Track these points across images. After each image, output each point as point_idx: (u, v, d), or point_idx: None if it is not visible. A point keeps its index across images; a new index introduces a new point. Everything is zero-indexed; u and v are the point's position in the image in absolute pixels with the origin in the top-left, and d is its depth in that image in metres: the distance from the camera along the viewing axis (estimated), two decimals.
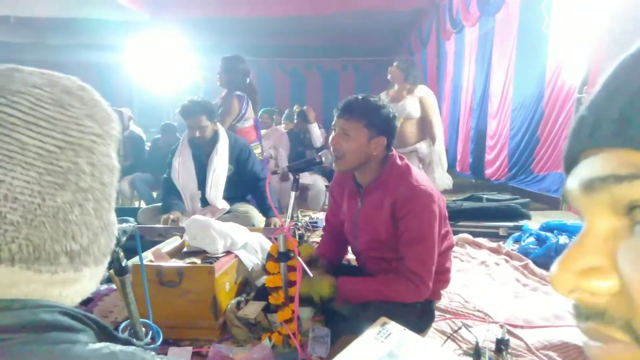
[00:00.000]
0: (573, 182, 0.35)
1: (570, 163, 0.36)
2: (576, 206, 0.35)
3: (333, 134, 1.81)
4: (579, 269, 0.32)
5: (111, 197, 0.50)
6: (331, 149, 1.80)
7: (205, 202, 3.13)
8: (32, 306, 0.43)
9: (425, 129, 3.94)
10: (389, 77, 3.95)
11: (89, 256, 0.48)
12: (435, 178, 3.98)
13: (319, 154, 1.89)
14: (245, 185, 3.29)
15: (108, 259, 0.52)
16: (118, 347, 0.45)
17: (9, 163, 0.42)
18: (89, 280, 0.49)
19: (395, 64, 3.96)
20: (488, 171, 5.68)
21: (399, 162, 1.83)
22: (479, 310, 2.13)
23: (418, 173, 1.83)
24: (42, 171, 0.43)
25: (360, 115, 1.74)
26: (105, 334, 0.48)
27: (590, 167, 0.33)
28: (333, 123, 1.82)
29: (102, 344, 0.45)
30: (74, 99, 0.48)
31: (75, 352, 0.42)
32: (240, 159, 3.20)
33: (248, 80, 3.89)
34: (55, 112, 0.46)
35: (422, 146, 3.95)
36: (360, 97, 1.79)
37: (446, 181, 4.17)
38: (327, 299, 1.76)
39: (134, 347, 0.46)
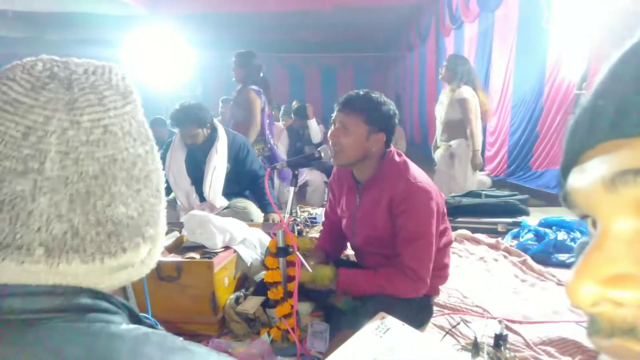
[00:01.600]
0: (584, 179, 0.31)
1: (574, 158, 0.33)
2: (586, 206, 0.32)
3: (333, 127, 1.80)
4: (603, 277, 0.28)
5: (107, 190, 0.47)
6: (330, 142, 1.80)
7: (203, 198, 3.12)
8: (72, 292, 0.46)
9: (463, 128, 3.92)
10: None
11: (75, 251, 0.46)
12: (467, 177, 3.96)
13: (318, 149, 1.88)
14: (243, 182, 3.29)
15: (118, 258, 0.49)
16: (150, 330, 0.47)
17: None
18: (85, 274, 0.47)
19: (444, 64, 3.97)
20: (488, 167, 5.69)
21: (397, 158, 1.83)
22: (477, 306, 2.13)
23: (416, 170, 1.82)
24: (1, 157, 0.43)
25: (361, 110, 1.73)
26: (134, 318, 0.51)
27: (612, 160, 0.29)
28: (333, 117, 1.81)
29: (134, 326, 0.47)
30: (58, 84, 0.46)
31: (111, 331, 0.45)
32: (238, 157, 3.19)
33: (261, 75, 3.96)
34: (25, 96, 0.45)
35: (458, 144, 3.93)
36: (361, 93, 1.78)
37: (483, 180, 4.14)
38: (331, 282, 1.76)
39: (164, 331, 0.49)
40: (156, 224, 0.54)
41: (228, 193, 3.20)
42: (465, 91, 3.79)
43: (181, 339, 0.49)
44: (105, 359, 0.42)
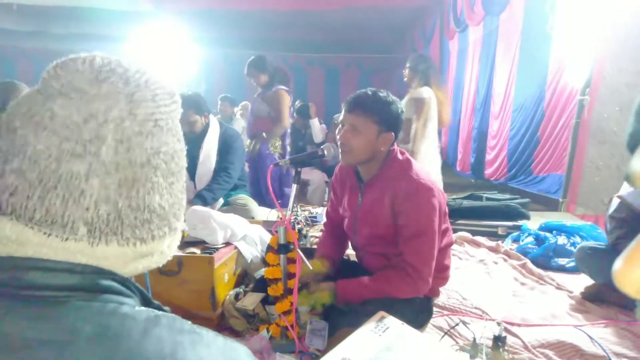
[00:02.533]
0: None
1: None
2: None
3: (340, 128, 1.79)
4: None
5: (149, 179, 0.51)
6: (338, 143, 1.79)
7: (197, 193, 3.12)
8: (91, 271, 0.49)
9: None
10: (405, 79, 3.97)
11: (113, 233, 0.49)
12: None
13: (322, 147, 1.88)
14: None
15: (147, 245, 0.53)
16: (160, 312, 0.49)
17: (37, 128, 0.47)
18: (116, 257, 0.51)
19: (407, 63, 3.95)
20: (488, 171, 5.69)
21: (400, 156, 1.83)
22: (476, 308, 2.13)
23: (419, 167, 1.83)
24: (63, 139, 0.46)
25: (372, 111, 1.73)
26: (146, 302, 0.54)
27: None
28: (341, 118, 1.80)
29: (146, 309, 0.49)
30: (117, 78, 0.50)
31: (124, 311, 0.47)
32: (222, 148, 3.15)
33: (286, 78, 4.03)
34: (89, 86, 0.49)
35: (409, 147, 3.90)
36: (370, 93, 1.76)
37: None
38: (331, 301, 1.76)
39: (173, 314, 0.51)
40: (180, 217, 0.58)
41: None
42: (425, 91, 3.79)
43: (190, 322, 0.51)
44: (118, 338, 0.44)
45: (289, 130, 5.33)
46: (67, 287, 0.47)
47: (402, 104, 3.85)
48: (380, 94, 1.76)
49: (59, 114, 0.47)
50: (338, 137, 1.79)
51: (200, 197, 2.93)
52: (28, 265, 0.46)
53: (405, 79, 3.95)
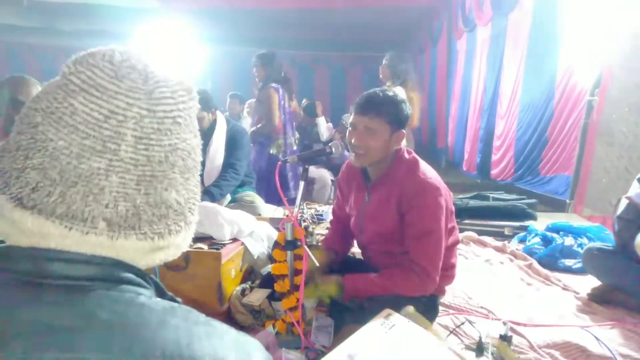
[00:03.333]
0: None
1: None
2: None
3: (351, 130, 1.77)
4: None
5: (166, 176, 0.52)
6: (351, 145, 1.76)
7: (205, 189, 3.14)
8: (109, 263, 0.49)
9: None
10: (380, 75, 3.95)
11: (131, 228, 0.50)
12: None
13: (329, 144, 1.89)
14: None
15: (165, 239, 0.53)
16: (176, 304, 0.50)
17: (59, 124, 0.47)
18: (134, 251, 0.51)
19: (385, 60, 3.93)
20: (494, 171, 5.66)
21: (406, 155, 1.83)
22: (482, 307, 2.13)
23: (426, 167, 1.83)
24: (83, 135, 0.47)
25: (384, 111, 1.72)
26: (160, 294, 0.55)
27: None
28: (352, 120, 1.78)
29: (162, 300, 0.51)
30: (137, 75, 0.51)
31: (141, 301, 0.48)
32: (230, 144, 3.16)
33: (283, 74, 4.04)
34: (109, 83, 0.49)
35: None
36: (380, 93, 1.75)
37: None
38: (337, 295, 1.77)
39: (187, 306, 0.52)
40: (195, 211, 0.59)
41: None
42: (398, 91, 3.79)
43: (204, 315, 0.52)
44: (136, 326, 0.45)
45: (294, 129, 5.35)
46: (86, 277, 0.48)
47: None
48: (389, 94, 1.76)
49: (80, 110, 0.47)
50: (351, 140, 1.76)
51: (208, 194, 2.94)
52: (50, 256, 0.47)
53: (381, 76, 3.94)
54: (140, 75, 0.51)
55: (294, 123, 4.39)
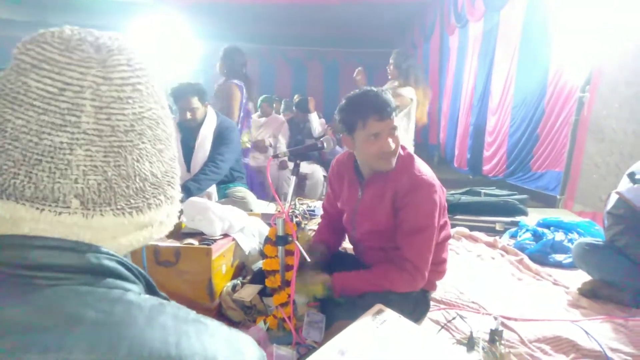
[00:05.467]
0: None
1: None
2: None
3: (380, 139, 1.69)
4: None
5: (135, 146, 0.50)
6: (392, 152, 1.72)
7: None
8: (95, 251, 0.48)
9: None
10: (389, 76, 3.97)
11: (107, 204, 0.49)
12: None
13: (321, 139, 1.88)
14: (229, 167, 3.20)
15: (144, 214, 0.52)
16: (165, 301, 0.49)
17: (14, 104, 0.46)
18: (113, 229, 0.50)
19: (391, 59, 3.95)
20: (486, 167, 5.69)
21: (401, 152, 1.82)
22: (473, 302, 2.14)
23: (421, 163, 1.82)
24: (40, 111, 0.46)
25: (394, 105, 1.70)
26: (150, 289, 0.54)
27: None
28: (376, 130, 1.68)
29: (150, 296, 0.49)
30: (88, 45, 0.49)
31: (129, 298, 0.47)
32: (217, 139, 3.12)
33: (244, 71, 3.95)
34: (60, 55, 0.48)
35: None
36: (381, 93, 1.70)
37: None
38: (326, 293, 1.76)
39: (177, 304, 0.50)
40: (176, 185, 0.58)
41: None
42: (405, 90, 3.81)
43: (194, 312, 0.50)
44: (123, 325, 0.44)
45: (286, 125, 5.34)
46: (72, 268, 0.46)
47: None
48: (382, 91, 1.73)
49: (34, 86, 0.46)
50: (389, 148, 1.69)
51: (185, 189, 2.84)
52: (31, 243, 0.46)
53: (390, 76, 3.96)
54: (91, 45, 0.50)
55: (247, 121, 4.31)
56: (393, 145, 1.70)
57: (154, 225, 0.55)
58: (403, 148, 1.85)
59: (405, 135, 3.94)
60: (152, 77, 0.54)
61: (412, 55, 4.16)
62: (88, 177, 0.47)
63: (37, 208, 0.46)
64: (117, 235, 0.51)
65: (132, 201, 0.51)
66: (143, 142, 0.51)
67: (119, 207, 0.49)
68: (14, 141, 0.46)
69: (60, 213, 0.46)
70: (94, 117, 0.47)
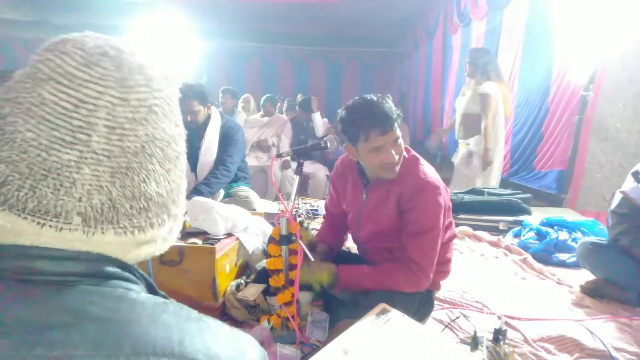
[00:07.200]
0: None
1: None
2: None
3: (380, 152, 1.68)
4: None
5: (144, 168, 0.50)
6: (395, 163, 1.71)
7: None
8: (96, 259, 0.48)
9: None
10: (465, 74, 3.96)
11: (109, 222, 0.48)
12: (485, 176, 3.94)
13: (324, 138, 1.88)
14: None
15: (146, 233, 0.52)
16: (167, 300, 0.49)
17: (27, 115, 0.45)
18: (116, 246, 0.50)
19: (466, 60, 3.93)
20: None
21: (405, 154, 1.82)
22: (477, 302, 2.14)
23: (425, 165, 1.82)
24: (52, 126, 0.45)
25: (397, 114, 1.68)
26: (151, 290, 0.53)
27: None
28: (378, 144, 1.67)
29: (153, 295, 0.49)
30: (109, 61, 0.48)
31: (132, 297, 0.47)
32: (223, 139, 3.15)
33: None
34: (78, 70, 0.47)
35: (477, 142, 3.92)
36: (379, 100, 1.67)
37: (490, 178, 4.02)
38: (330, 282, 1.77)
39: (179, 303, 0.50)
40: (180, 203, 0.57)
41: None
42: (488, 86, 3.78)
43: (196, 311, 0.50)
44: (127, 323, 0.44)
45: (289, 124, 5.33)
46: (74, 274, 0.47)
47: (465, 99, 3.90)
48: (383, 99, 1.70)
49: (49, 99, 0.45)
50: (391, 160, 1.69)
51: (197, 192, 2.91)
52: (35, 253, 0.46)
53: (466, 74, 3.94)
54: (112, 61, 0.48)
55: None
56: (396, 157, 1.70)
57: (157, 242, 0.54)
58: (408, 150, 1.85)
59: (494, 137, 3.87)
60: (170, 96, 0.54)
61: (488, 51, 4.10)
62: (92, 196, 0.46)
63: (39, 223, 0.45)
64: (119, 251, 0.50)
65: (135, 220, 0.50)
66: (152, 164, 0.51)
67: (121, 226, 0.49)
68: (22, 153, 0.45)
69: (61, 229, 0.46)
70: (105, 137, 0.46)
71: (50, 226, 0.46)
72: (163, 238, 0.55)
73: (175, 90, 0.55)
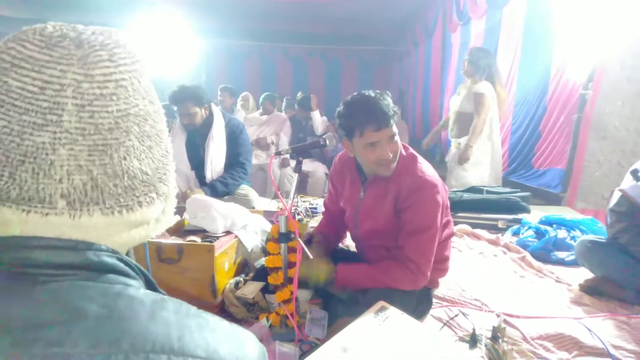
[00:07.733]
0: None
1: None
2: None
3: (377, 148, 1.68)
4: None
5: (121, 144, 0.49)
6: (383, 160, 1.70)
7: (202, 182, 3.13)
8: (96, 249, 0.48)
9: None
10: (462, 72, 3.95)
11: (95, 203, 0.48)
12: (464, 176, 3.93)
13: (323, 136, 1.88)
14: None
15: (135, 212, 0.51)
16: (166, 296, 0.49)
17: None
18: (105, 228, 0.49)
19: (466, 56, 3.91)
20: None
21: (403, 152, 1.82)
22: (476, 299, 2.14)
23: (423, 163, 1.82)
24: (21, 111, 0.45)
25: (394, 111, 1.68)
26: (149, 285, 0.53)
27: None
28: (374, 139, 1.66)
29: (152, 292, 0.49)
30: (69, 42, 0.48)
31: (130, 293, 0.47)
32: (230, 139, 3.17)
33: None
34: (39, 53, 0.47)
35: (463, 141, 3.93)
36: (377, 96, 1.67)
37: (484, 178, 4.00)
38: (329, 279, 1.77)
39: (178, 299, 0.50)
40: (168, 182, 0.57)
41: None
42: (484, 86, 3.77)
43: (195, 307, 0.50)
44: (125, 319, 0.44)
45: (288, 122, 5.33)
46: (72, 265, 0.46)
47: (460, 98, 3.89)
48: (385, 95, 1.70)
49: (14, 85, 0.46)
50: (386, 156, 1.68)
51: (211, 187, 2.95)
52: (29, 244, 0.46)
53: (463, 72, 3.93)
54: (72, 41, 0.48)
55: None
56: (391, 154, 1.70)
57: (150, 223, 0.54)
58: (405, 148, 1.84)
59: (487, 143, 3.88)
60: (140, 72, 0.53)
61: (490, 53, 4.08)
62: (72, 176, 0.46)
63: (24, 210, 0.45)
64: (111, 233, 0.50)
65: (122, 200, 0.50)
66: (130, 140, 0.50)
67: (107, 206, 0.49)
68: None
69: (47, 214, 0.46)
70: (76, 115, 0.46)
71: (35, 212, 0.45)
72: (155, 219, 0.55)
73: (144, 66, 0.54)
